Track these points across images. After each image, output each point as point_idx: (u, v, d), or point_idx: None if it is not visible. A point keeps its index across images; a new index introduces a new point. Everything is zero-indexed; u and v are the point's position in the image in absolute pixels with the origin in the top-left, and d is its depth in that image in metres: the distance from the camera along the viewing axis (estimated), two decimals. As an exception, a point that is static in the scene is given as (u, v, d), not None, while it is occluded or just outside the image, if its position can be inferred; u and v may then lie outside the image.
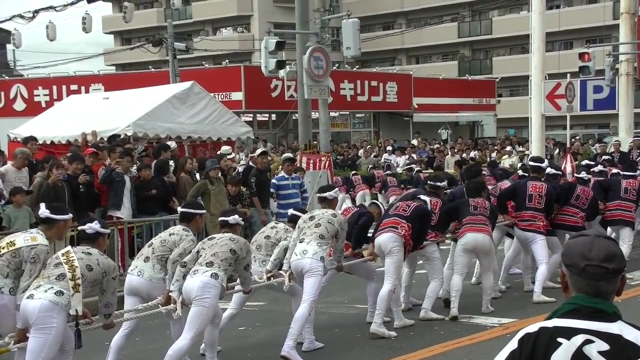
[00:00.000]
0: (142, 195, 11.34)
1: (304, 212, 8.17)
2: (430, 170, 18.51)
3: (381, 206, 8.93)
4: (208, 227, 11.38)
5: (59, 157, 11.18)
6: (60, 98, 27.43)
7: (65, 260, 5.53)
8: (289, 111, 24.89)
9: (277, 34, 16.11)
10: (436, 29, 47.71)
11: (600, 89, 23.16)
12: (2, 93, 31.61)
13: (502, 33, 48.27)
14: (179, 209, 7.22)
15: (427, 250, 8.61)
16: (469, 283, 9.74)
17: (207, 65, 33.92)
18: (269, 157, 14.37)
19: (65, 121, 14.94)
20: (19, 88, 31.53)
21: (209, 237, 6.79)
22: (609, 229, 11.00)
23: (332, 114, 29.22)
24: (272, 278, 7.46)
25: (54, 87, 30.90)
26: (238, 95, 29.05)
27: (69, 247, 5.77)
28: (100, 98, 17.04)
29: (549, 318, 2.37)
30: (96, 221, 6.02)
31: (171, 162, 12.40)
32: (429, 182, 9.34)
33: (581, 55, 21.73)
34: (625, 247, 10.43)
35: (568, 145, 22.85)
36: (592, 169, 12.12)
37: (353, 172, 18.38)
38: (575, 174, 11.16)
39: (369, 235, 8.45)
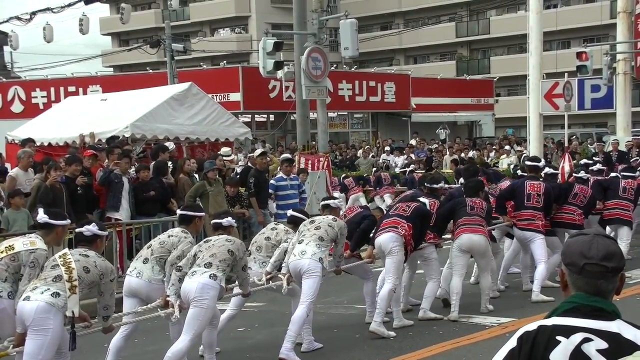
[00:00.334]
0: (141, 197, 11.33)
1: (304, 213, 8.17)
2: (423, 171, 18.48)
3: (384, 211, 8.93)
4: (207, 228, 11.36)
5: (57, 159, 11.16)
6: (58, 100, 27.42)
7: (62, 262, 5.53)
8: (287, 112, 24.90)
9: (275, 34, 16.11)
10: (434, 29, 47.72)
11: (597, 88, 23.18)
12: (0, 95, 31.58)
13: (499, 33, 48.30)
14: (178, 212, 7.22)
15: (425, 251, 8.64)
16: (468, 283, 9.75)
17: (205, 66, 33.93)
18: (268, 158, 14.38)
19: (63, 123, 14.92)
20: (16, 90, 31.50)
21: (205, 239, 6.78)
22: (607, 228, 11.02)
23: (331, 114, 29.21)
24: (271, 280, 7.46)
25: (52, 89, 30.88)
26: (236, 96, 29.04)
27: (66, 249, 5.77)
28: (98, 99, 17.04)
29: (548, 316, 2.37)
30: (94, 223, 6.01)
31: (169, 164, 12.39)
32: (425, 183, 9.34)
33: (579, 55, 21.76)
34: (623, 246, 10.45)
35: (566, 144, 22.88)
36: (590, 168, 12.15)
37: (343, 175, 18.29)
38: (574, 174, 11.15)
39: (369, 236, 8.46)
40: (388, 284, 7.91)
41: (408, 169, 17.94)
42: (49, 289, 5.41)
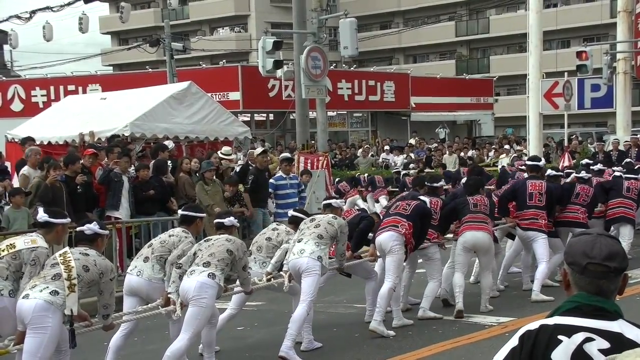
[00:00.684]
0: (140, 196, 11.32)
1: (304, 212, 8.16)
2: (413, 172, 18.46)
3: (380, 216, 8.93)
4: (206, 227, 11.36)
5: (57, 158, 11.15)
6: (57, 98, 27.39)
7: (61, 261, 5.53)
8: (286, 111, 24.88)
9: (274, 33, 16.11)
10: (433, 28, 47.72)
11: (597, 88, 23.17)
12: (0, 94, 31.57)
13: (499, 32, 48.29)
14: (180, 212, 7.22)
15: (428, 250, 8.64)
16: (468, 282, 9.73)
17: (204, 65, 33.89)
18: (268, 157, 14.36)
19: (62, 122, 14.91)
20: (16, 89, 31.48)
21: (205, 238, 6.78)
22: (612, 228, 11.03)
23: (330, 113, 29.20)
24: (272, 280, 7.45)
25: (52, 88, 30.86)
26: (235, 95, 29.02)
27: (66, 248, 5.78)
28: (97, 98, 17.02)
29: (550, 316, 2.37)
30: (95, 222, 6.01)
31: (169, 163, 12.38)
32: (426, 182, 9.33)
33: (579, 54, 21.74)
34: (625, 245, 10.46)
35: (566, 144, 22.89)
36: (591, 167, 12.16)
37: (337, 179, 18.25)
38: (575, 174, 11.15)
39: (369, 237, 8.45)
40: (388, 283, 7.90)
41: (402, 172, 17.89)
42: (47, 287, 5.41)
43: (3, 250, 5.78)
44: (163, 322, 7.09)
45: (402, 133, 33.67)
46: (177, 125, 14.25)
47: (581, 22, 44.55)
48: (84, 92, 28.71)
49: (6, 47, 38.79)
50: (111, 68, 50.57)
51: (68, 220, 6.20)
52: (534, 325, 2.35)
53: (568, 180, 11.07)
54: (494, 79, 39.55)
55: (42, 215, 6.00)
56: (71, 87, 29.97)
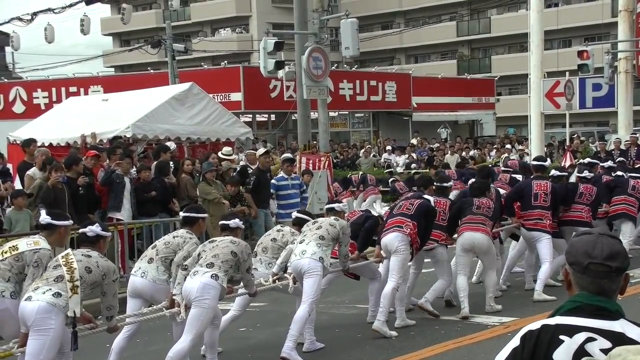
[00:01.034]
0: (142, 197, 11.33)
1: (308, 214, 8.17)
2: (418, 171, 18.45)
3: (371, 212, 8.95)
4: (208, 228, 11.37)
5: (59, 160, 11.17)
6: (59, 100, 27.41)
7: (64, 263, 5.54)
8: (288, 111, 24.89)
9: (275, 34, 16.10)
10: (435, 28, 47.71)
11: (599, 87, 23.15)
12: (1, 95, 31.60)
13: (500, 32, 48.26)
14: (181, 214, 7.23)
15: (436, 252, 8.65)
16: (470, 282, 9.72)
17: (205, 66, 33.95)
18: (270, 158, 14.35)
19: (64, 123, 14.92)
20: (18, 90, 31.52)
21: (210, 239, 6.78)
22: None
23: (331, 113, 29.19)
24: (277, 281, 7.46)
25: (53, 89, 30.89)
26: (237, 96, 29.03)
27: (68, 250, 5.79)
28: (99, 100, 17.03)
29: (552, 316, 2.37)
30: (97, 224, 6.02)
31: (171, 164, 12.39)
32: (435, 183, 9.32)
33: (580, 53, 21.72)
34: (625, 242, 10.46)
35: (567, 143, 22.87)
36: (601, 164, 12.23)
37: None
38: (577, 174, 11.15)
39: (374, 238, 8.47)
40: (391, 282, 7.91)
41: (391, 180, 17.85)
42: (50, 289, 5.42)
43: (6, 252, 5.78)
44: (165, 323, 7.10)
45: (403, 133, 33.67)
46: (179, 126, 14.25)
47: (582, 22, 44.52)
48: (86, 93, 28.76)
49: (8, 49, 38.84)
50: (113, 69, 50.61)
51: (70, 222, 6.21)
52: (535, 325, 2.35)
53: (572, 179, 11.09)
54: (496, 78, 39.53)
55: (44, 218, 6.01)
56: (73, 89, 30.00)
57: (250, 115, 30.31)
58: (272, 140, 29.01)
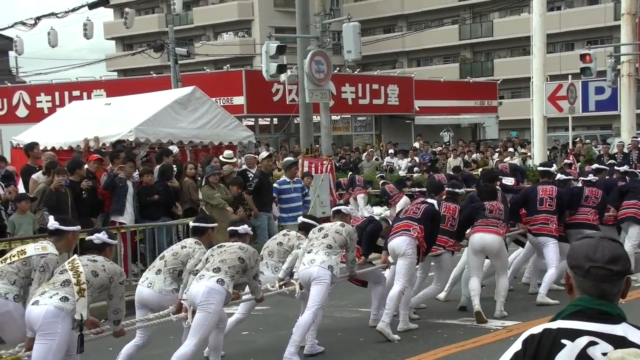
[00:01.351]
0: (145, 201, 11.34)
1: (314, 218, 8.18)
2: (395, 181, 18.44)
3: (388, 222, 8.94)
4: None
5: (62, 164, 11.20)
6: (62, 104, 27.48)
7: (70, 267, 5.57)
8: (290, 115, 24.90)
9: (278, 38, 16.13)
10: (437, 32, 47.72)
11: (601, 90, 23.17)
12: (5, 100, 31.67)
13: (503, 35, 48.28)
14: (191, 223, 7.24)
15: (442, 257, 8.66)
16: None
17: (208, 70, 33.96)
18: (273, 161, 14.36)
19: (67, 127, 14.94)
20: (21, 95, 31.58)
21: (218, 245, 6.77)
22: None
23: (334, 117, 29.22)
24: (283, 286, 7.48)
25: (56, 94, 30.94)
26: (239, 100, 29.06)
27: (74, 256, 5.81)
28: (102, 104, 17.05)
29: (554, 319, 2.37)
30: (103, 232, 6.05)
31: (174, 167, 12.40)
32: (447, 188, 9.34)
33: (582, 57, 21.74)
34: (629, 245, 10.48)
35: (570, 146, 22.87)
36: (615, 168, 12.24)
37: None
38: (582, 178, 11.16)
39: (380, 244, 8.49)
40: (398, 285, 7.90)
41: (381, 182, 17.89)
42: (57, 293, 5.44)
43: (14, 256, 5.82)
44: (168, 326, 7.10)
45: (406, 136, 33.67)
46: (182, 130, 14.27)
47: (585, 25, 44.51)
48: (89, 97, 28.79)
49: (11, 54, 38.89)
50: (116, 73, 50.74)
51: (78, 227, 6.25)
52: (537, 329, 2.35)
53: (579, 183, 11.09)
54: (498, 82, 39.52)
55: (52, 223, 6.05)
56: (76, 93, 30.06)
57: (253, 119, 30.33)
58: (275, 143, 29.03)
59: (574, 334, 2.29)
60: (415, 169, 22.11)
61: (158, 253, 11.18)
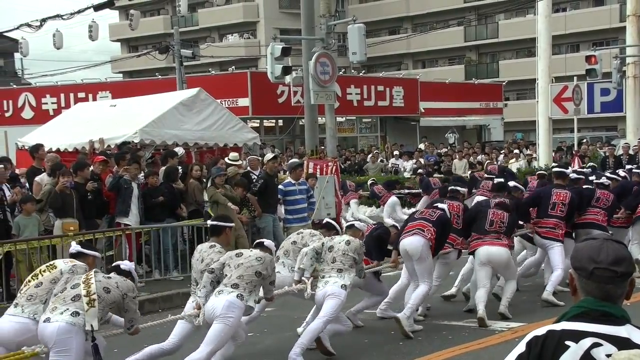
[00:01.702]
0: (150, 202, 11.36)
1: (336, 221, 8.32)
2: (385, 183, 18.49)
3: (397, 227, 9.00)
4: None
5: (68, 166, 11.22)
6: (67, 106, 27.52)
7: (83, 280, 5.66)
8: (295, 117, 24.92)
9: (283, 39, 16.12)
10: (442, 33, 47.68)
11: (607, 92, 23.11)
12: (10, 101, 31.76)
13: (508, 37, 48.22)
14: (209, 222, 7.30)
15: (448, 256, 8.81)
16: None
17: (213, 72, 34.00)
18: (279, 163, 14.35)
19: (72, 129, 14.99)
20: (26, 96, 31.66)
21: (237, 252, 6.75)
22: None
23: (339, 119, 29.22)
24: (294, 284, 7.55)
25: (62, 95, 31.02)
26: (244, 102, 29.08)
27: (92, 272, 5.86)
28: (107, 105, 17.10)
29: (558, 321, 2.37)
30: (133, 263, 6.32)
31: (179, 169, 12.41)
32: (450, 187, 9.44)
33: (588, 58, 21.70)
34: (635, 247, 10.53)
35: (575, 148, 22.83)
36: (634, 171, 12.31)
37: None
38: (595, 180, 11.16)
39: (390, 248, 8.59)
40: (425, 286, 8.05)
41: (369, 182, 17.96)
42: (68, 309, 5.48)
43: (44, 271, 5.94)
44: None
45: (411, 138, 33.65)
46: (187, 131, 14.29)
47: (590, 27, 44.43)
48: (94, 99, 28.85)
49: (17, 55, 39.08)
50: (121, 75, 50.79)
51: (99, 254, 6.47)
52: (541, 330, 2.35)
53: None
54: (503, 83, 39.47)
55: (74, 247, 6.30)
56: (81, 95, 30.11)
57: (258, 121, 30.35)
58: (280, 145, 29.04)
59: (578, 336, 2.28)
60: (419, 170, 22.07)
61: (163, 255, 11.23)
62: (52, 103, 30.97)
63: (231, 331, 6.37)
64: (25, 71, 45.95)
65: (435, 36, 47.29)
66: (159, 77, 33.03)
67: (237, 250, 6.88)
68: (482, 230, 8.69)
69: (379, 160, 24.86)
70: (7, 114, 31.42)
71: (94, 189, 10.85)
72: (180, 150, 13.41)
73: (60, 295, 5.59)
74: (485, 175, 13.77)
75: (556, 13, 36.56)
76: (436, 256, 8.46)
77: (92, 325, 5.46)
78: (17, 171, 12.42)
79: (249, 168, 13.36)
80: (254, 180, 12.62)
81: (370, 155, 25.50)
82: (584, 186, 10.57)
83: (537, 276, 10.45)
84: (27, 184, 11.74)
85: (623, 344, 2.26)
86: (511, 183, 10.75)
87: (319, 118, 17.29)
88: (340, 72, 26.77)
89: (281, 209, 12.72)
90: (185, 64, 27.12)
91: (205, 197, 11.74)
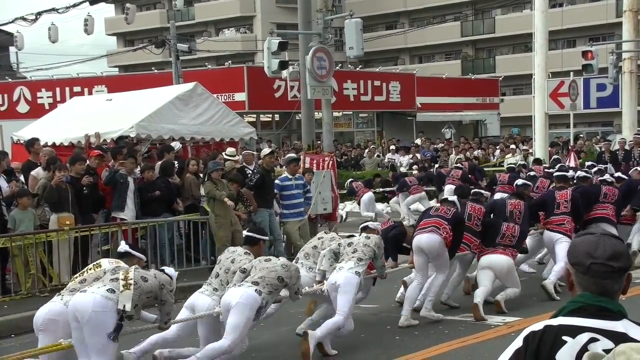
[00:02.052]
0: (146, 197, 11.34)
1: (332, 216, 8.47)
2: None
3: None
4: (212, 228, 11.38)
5: (64, 160, 11.20)
6: (63, 100, 27.48)
7: (123, 270, 5.89)
8: (292, 111, 24.86)
9: (279, 34, 16.07)
10: (439, 28, 47.67)
11: (603, 87, 23.11)
12: (6, 95, 31.67)
13: (505, 32, 48.20)
14: (245, 232, 7.43)
15: (465, 257, 8.98)
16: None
17: (210, 66, 33.95)
18: (275, 158, 14.34)
19: (68, 123, 14.94)
20: (22, 90, 31.58)
21: (266, 258, 6.88)
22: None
23: (335, 114, 29.21)
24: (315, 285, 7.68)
25: (57, 89, 30.95)
26: (241, 96, 29.05)
27: (132, 267, 6.06)
28: (103, 100, 17.05)
29: (555, 316, 2.37)
30: (176, 273, 6.41)
31: (176, 163, 12.39)
32: (473, 190, 9.82)
33: (584, 54, 21.68)
34: (636, 237, 10.68)
35: (572, 143, 22.84)
36: (637, 168, 12.66)
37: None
38: (599, 177, 11.43)
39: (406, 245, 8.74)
40: (441, 276, 8.32)
41: (348, 181, 18.11)
42: (104, 285, 5.70)
43: (90, 270, 6.20)
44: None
45: (407, 133, 33.65)
46: (183, 126, 14.26)
47: (587, 22, 44.43)
48: (90, 93, 28.81)
49: (12, 49, 38.94)
50: (117, 69, 50.68)
51: (144, 257, 6.66)
52: (538, 326, 2.35)
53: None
54: (500, 78, 39.48)
55: (123, 246, 6.51)
56: (77, 89, 30.07)
57: (254, 115, 30.33)
58: (276, 140, 29.02)
59: (575, 331, 2.29)
60: (414, 166, 22.09)
61: (159, 249, 11.22)
62: (48, 97, 30.89)
63: (249, 323, 6.42)
64: (21, 65, 45.82)
65: (432, 31, 47.26)
66: (155, 71, 32.95)
67: (268, 257, 6.99)
68: (492, 243, 8.89)
69: (375, 155, 24.86)
70: (2, 108, 31.36)
71: (90, 184, 10.83)
72: (176, 145, 13.39)
73: (99, 280, 5.84)
74: (454, 165, 14.03)
75: (553, 8, 36.54)
76: (453, 257, 8.64)
77: (124, 306, 5.61)
78: (12, 165, 12.39)
79: (244, 163, 13.36)
80: (249, 175, 12.62)
81: (366, 150, 25.50)
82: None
83: (534, 271, 10.49)
84: (22, 178, 11.71)
85: (620, 339, 2.26)
86: (519, 181, 11.18)
87: (316, 113, 17.28)
88: (337, 67, 26.75)
89: (277, 204, 12.72)
90: (181, 58, 27.05)
91: (202, 192, 11.73)
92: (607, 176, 11.25)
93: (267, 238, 7.35)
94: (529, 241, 9.96)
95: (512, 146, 24.43)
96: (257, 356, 7.42)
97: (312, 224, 13.54)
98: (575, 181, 11.12)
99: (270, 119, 32.28)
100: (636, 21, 23.34)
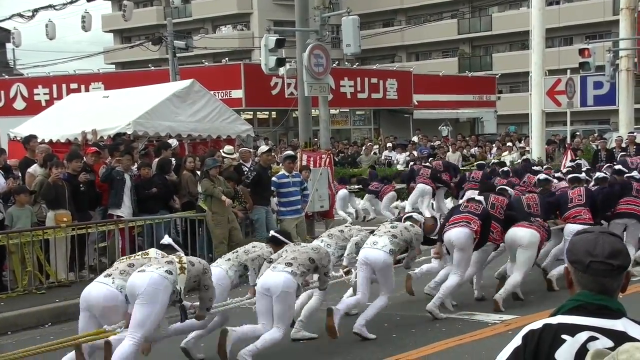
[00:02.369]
0: (143, 194, 11.33)
1: (329, 213, 8.62)
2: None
3: (438, 220, 9.28)
4: (210, 225, 11.37)
5: (61, 157, 11.17)
6: (60, 97, 27.42)
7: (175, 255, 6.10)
8: (289, 109, 24.86)
9: (277, 31, 16.09)
10: (436, 26, 47.69)
11: (600, 85, 23.14)
12: (2, 92, 31.62)
13: (502, 29, 48.23)
14: (271, 232, 7.68)
15: (487, 249, 8.96)
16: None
17: (207, 63, 33.92)
18: (272, 155, 14.33)
19: (65, 120, 14.91)
20: (19, 87, 31.52)
21: (295, 242, 7.25)
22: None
23: (332, 111, 29.19)
24: (344, 274, 7.81)
25: (54, 86, 30.90)
26: (238, 93, 29.03)
27: (181, 254, 6.34)
28: (100, 97, 17.01)
29: (554, 315, 2.36)
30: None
31: (173, 161, 12.37)
32: (498, 187, 10.07)
33: (581, 51, 21.71)
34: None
35: (568, 141, 22.86)
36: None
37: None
38: (627, 175, 11.48)
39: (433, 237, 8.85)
40: (456, 277, 8.31)
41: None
42: (162, 266, 5.86)
43: (137, 256, 6.38)
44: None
45: (404, 131, 33.67)
46: (180, 123, 14.24)
47: (584, 20, 44.48)
48: (87, 90, 28.75)
49: (9, 46, 38.80)
50: (114, 66, 50.62)
51: (183, 253, 6.68)
52: (537, 324, 2.35)
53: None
54: (497, 76, 39.51)
55: (167, 239, 6.71)
56: (74, 86, 30.01)
57: (251, 113, 30.31)
58: (273, 137, 29.01)
59: (574, 329, 2.28)
60: (411, 163, 22.07)
61: (156, 246, 11.18)
62: (45, 94, 30.84)
63: (292, 307, 6.73)
64: (18, 62, 45.70)
65: (429, 29, 47.28)
66: (152, 68, 32.91)
67: (298, 242, 7.36)
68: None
69: (372, 152, 24.85)
70: (-2, 105, 31.31)
71: (87, 181, 10.81)
72: (173, 142, 13.37)
73: (154, 262, 5.96)
74: (424, 164, 15.11)
75: (550, 6, 36.57)
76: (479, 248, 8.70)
77: (180, 288, 5.78)
78: (9, 162, 12.36)
79: (240, 160, 13.35)
80: (246, 172, 12.61)
81: (363, 148, 25.49)
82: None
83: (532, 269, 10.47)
84: (19, 175, 11.69)
85: (619, 337, 2.26)
86: (541, 176, 11.46)
87: (313, 110, 17.28)
88: (334, 65, 26.73)
89: (274, 202, 12.72)
90: (178, 55, 27.02)
91: (199, 189, 11.71)
92: (634, 173, 11.36)
93: (290, 243, 7.41)
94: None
95: (509, 144, 24.44)
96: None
97: (309, 221, 13.54)
98: (593, 182, 11.19)
99: (267, 116, 32.26)
100: (633, 19, 23.36)
